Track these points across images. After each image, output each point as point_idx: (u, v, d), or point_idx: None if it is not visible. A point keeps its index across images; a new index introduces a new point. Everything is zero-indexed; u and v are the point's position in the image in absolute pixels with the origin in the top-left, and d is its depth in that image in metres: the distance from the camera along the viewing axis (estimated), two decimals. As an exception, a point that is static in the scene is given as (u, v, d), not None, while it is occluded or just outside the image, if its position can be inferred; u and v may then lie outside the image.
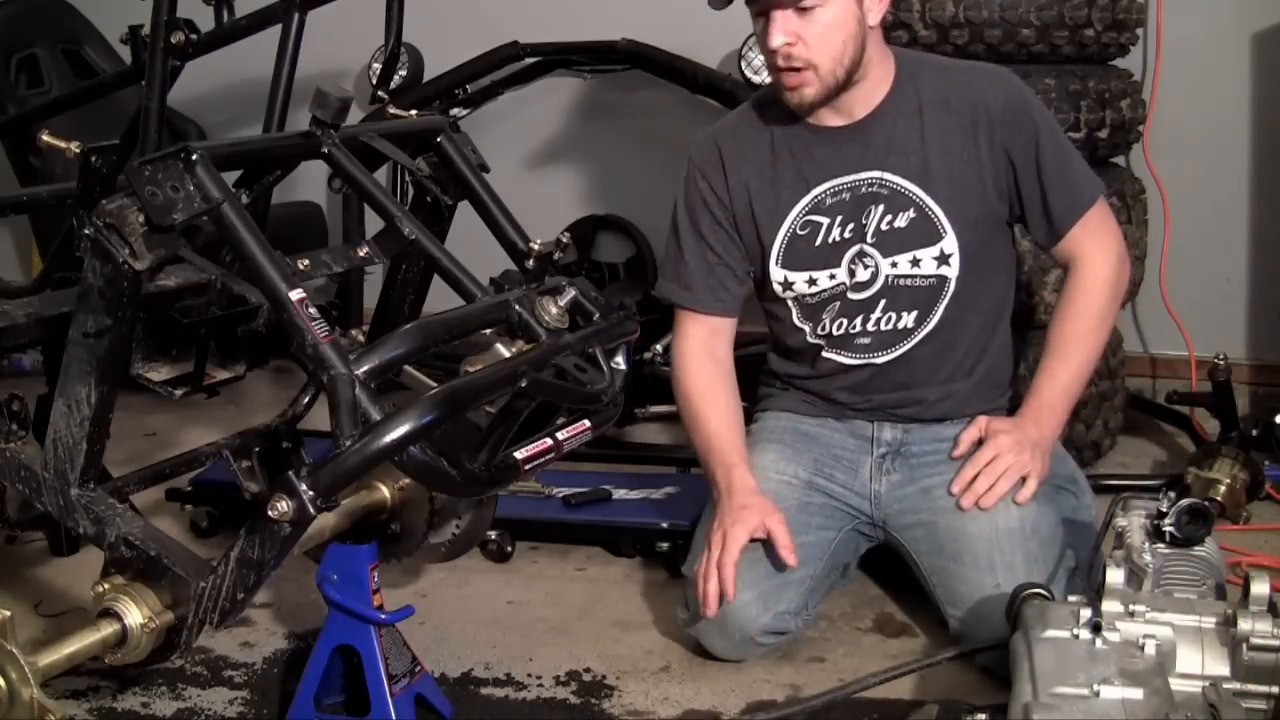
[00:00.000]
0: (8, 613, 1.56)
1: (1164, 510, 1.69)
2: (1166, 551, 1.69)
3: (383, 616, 1.85)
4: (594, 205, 4.03)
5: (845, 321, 2.18)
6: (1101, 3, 2.72)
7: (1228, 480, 2.57)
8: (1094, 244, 2.14)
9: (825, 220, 2.15)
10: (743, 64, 3.50)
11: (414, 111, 2.36)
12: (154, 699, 2.04)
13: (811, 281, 2.17)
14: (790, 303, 2.21)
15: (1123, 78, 2.85)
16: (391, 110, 2.45)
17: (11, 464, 1.79)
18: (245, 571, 1.59)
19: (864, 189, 2.13)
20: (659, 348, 3.06)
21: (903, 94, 2.13)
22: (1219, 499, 2.53)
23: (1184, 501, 1.70)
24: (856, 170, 2.14)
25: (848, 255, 2.15)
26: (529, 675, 2.09)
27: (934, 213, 2.11)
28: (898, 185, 2.12)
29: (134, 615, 1.64)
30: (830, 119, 2.14)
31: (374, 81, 3.53)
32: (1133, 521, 1.72)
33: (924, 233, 2.12)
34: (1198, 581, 1.66)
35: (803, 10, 2.01)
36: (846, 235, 2.14)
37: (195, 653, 2.15)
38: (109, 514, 1.71)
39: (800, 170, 2.16)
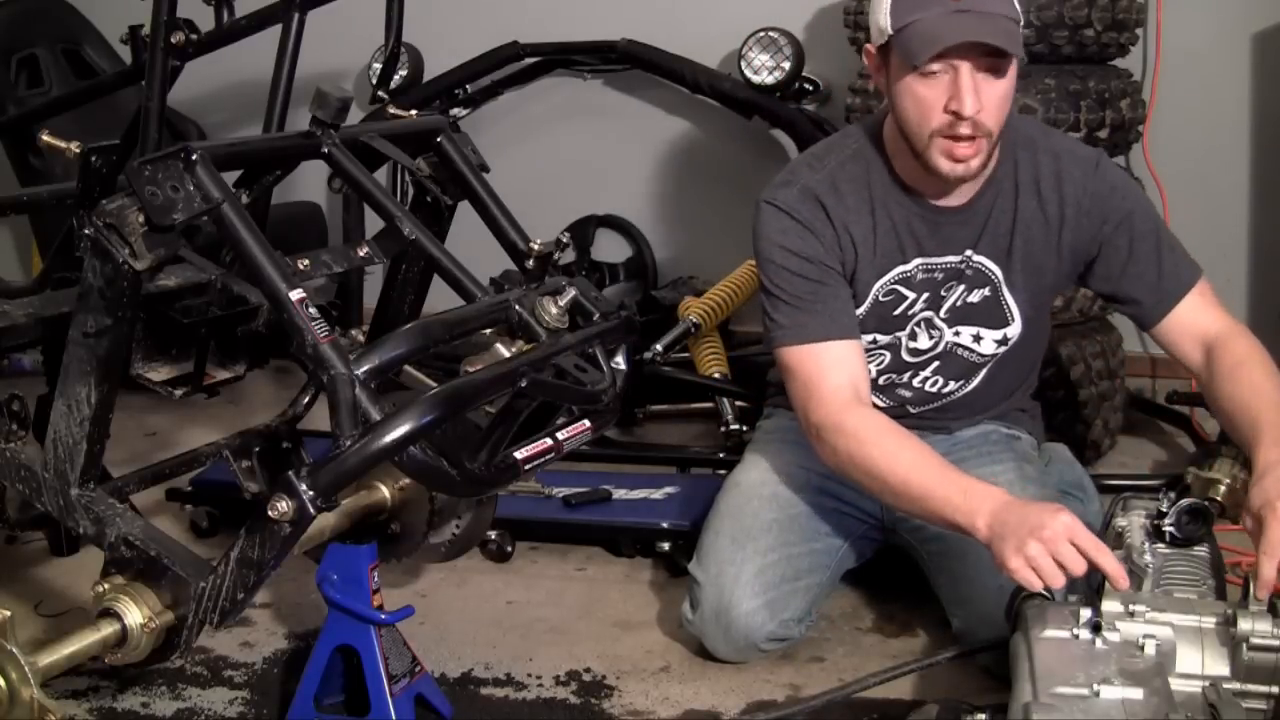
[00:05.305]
0: (8, 613, 1.56)
1: (1164, 510, 1.69)
2: (1166, 551, 1.69)
3: (383, 616, 1.85)
4: (594, 205, 4.03)
5: (894, 376, 2.14)
6: (1101, 3, 2.72)
7: (1228, 480, 2.56)
8: (1223, 319, 2.00)
9: (911, 295, 2.08)
10: (742, 64, 3.49)
11: (414, 111, 2.35)
12: (154, 699, 2.04)
13: (874, 341, 2.12)
14: None
15: (1123, 78, 2.85)
16: (391, 110, 2.45)
17: (11, 464, 1.79)
18: (245, 571, 1.59)
19: (952, 268, 2.06)
20: (659, 347, 3.06)
21: (1004, 172, 2.02)
22: (1219, 499, 2.52)
23: (1184, 501, 1.70)
24: (953, 252, 2.05)
25: (914, 320, 2.10)
26: (529, 675, 2.09)
27: (1006, 300, 2.07)
28: (982, 265, 2.05)
29: (134, 615, 1.64)
30: (944, 198, 2.02)
31: (374, 81, 3.53)
32: (1133, 521, 1.71)
33: (993, 315, 2.08)
34: (1198, 581, 1.66)
35: (994, 70, 1.85)
36: (921, 307, 2.09)
37: (195, 653, 2.15)
38: (109, 514, 1.71)
39: (899, 241, 2.05)
